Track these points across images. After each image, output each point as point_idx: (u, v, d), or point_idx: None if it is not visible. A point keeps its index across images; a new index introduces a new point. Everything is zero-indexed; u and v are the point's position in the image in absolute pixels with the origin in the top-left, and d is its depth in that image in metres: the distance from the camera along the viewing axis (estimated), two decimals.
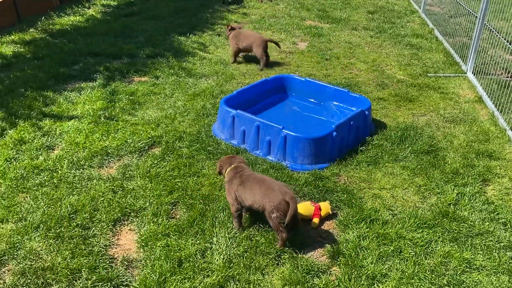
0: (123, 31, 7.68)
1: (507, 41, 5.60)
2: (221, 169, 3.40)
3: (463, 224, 3.36)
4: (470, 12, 6.67)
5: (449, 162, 4.11)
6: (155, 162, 4.03)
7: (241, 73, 6.12)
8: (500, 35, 5.93)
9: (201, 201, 3.53)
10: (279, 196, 3.00)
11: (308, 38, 7.54)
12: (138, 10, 9.00)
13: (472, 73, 6.04)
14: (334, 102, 5.03)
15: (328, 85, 5.11)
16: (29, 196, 3.57)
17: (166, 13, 8.81)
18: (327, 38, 7.54)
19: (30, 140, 4.32)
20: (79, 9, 8.95)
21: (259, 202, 3.05)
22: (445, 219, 3.41)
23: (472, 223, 3.38)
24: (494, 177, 3.93)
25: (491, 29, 5.86)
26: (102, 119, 4.76)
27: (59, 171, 3.89)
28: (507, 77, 5.77)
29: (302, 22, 8.40)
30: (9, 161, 4.00)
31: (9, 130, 4.48)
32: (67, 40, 7.13)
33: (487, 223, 3.39)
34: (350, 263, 3.01)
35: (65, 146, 4.27)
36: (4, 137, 4.38)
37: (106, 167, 4.03)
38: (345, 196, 3.65)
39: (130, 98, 5.26)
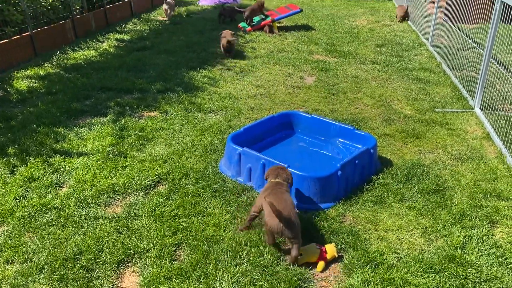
0: (136, 65, 7.88)
1: None
2: (267, 177, 3.85)
3: (470, 269, 3.30)
4: (476, 47, 6.70)
5: (456, 203, 4.07)
6: (160, 201, 4.06)
7: (249, 108, 6.20)
8: (505, 71, 5.94)
9: (205, 242, 3.53)
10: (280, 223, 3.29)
11: (316, 73, 7.64)
12: (150, 45, 9.24)
13: (480, 108, 6.03)
14: (340, 139, 5.05)
15: (333, 122, 5.14)
16: (36, 236, 3.61)
17: (178, 48, 9.03)
18: (334, 72, 7.63)
19: (39, 178, 4.40)
20: (93, 43, 9.24)
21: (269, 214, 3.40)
22: (451, 263, 3.35)
23: (479, 268, 3.31)
24: (502, 219, 3.87)
25: (497, 64, 5.88)
26: (111, 155, 4.84)
27: (66, 210, 3.94)
28: None
29: (310, 56, 8.53)
30: (18, 199, 4.07)
31: (20, 167, 4.58)
32: (81, 74, 7.33)
33: (495, 268, 3.33)
34: None
35: (73, 184, 4.34)
36: (15, 174, 4.47)
37: (112, 205, 4.07)
38: (350, 238, 3.62)
39: (139, 134, 5.35)
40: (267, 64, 8.09)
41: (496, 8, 5.52)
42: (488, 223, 3.80)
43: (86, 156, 4.84)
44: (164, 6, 11.68)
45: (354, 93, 6.74)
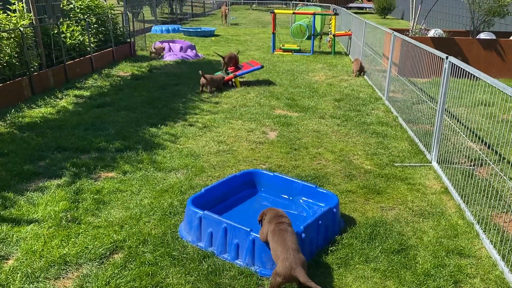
0: (94, 123, 7.70)
1: (465, 129, 5.86)
2: (262, 218, 4.01)
3: None
4: (428, 102, 7.00)
5: (420, 262, 4.04)
6: (115, 272, 3.82)
7: (211, 166, 6.11)
8: (458, 124, 6.19)
9: None
10: (290, 268, 3.38)
11: (278, 128, 7.71)
12: (110, 101, 9.12)
13: (437, 162, 6.19)
14: (303, 198, 5.01)
15: (296, 180, 5.11)
16: None
17: (139, 103, 8.96)
18: (296, 127, 7.73)
19: None
20: (51, 100, 9.03)
21: (275, 257, 3.58)
22: None
23: None
24: (466, 278, 3.86)
25: (451, 117, 6.12)
26: (64, 222, 4.57)
27: (11, 287, 3.62)
28: (470, 166, 5.93)
29: (272, 111, 8.65)
30: None
31: None
32: (36, 133, 7.07)
33: None
34: None
35: (20, 256, 4.03)
36: None
37: (63, 278, 3.78)
38: None
39: (95, 197, 5.11)
40: (229, 119, 8.12)
41: (445, 68, 5.82)
42: (452, 283, 3.77)
43: (36, 223, 4.54)
44: (152, 49, 14.09)
45: (316, 148, 6.81)
